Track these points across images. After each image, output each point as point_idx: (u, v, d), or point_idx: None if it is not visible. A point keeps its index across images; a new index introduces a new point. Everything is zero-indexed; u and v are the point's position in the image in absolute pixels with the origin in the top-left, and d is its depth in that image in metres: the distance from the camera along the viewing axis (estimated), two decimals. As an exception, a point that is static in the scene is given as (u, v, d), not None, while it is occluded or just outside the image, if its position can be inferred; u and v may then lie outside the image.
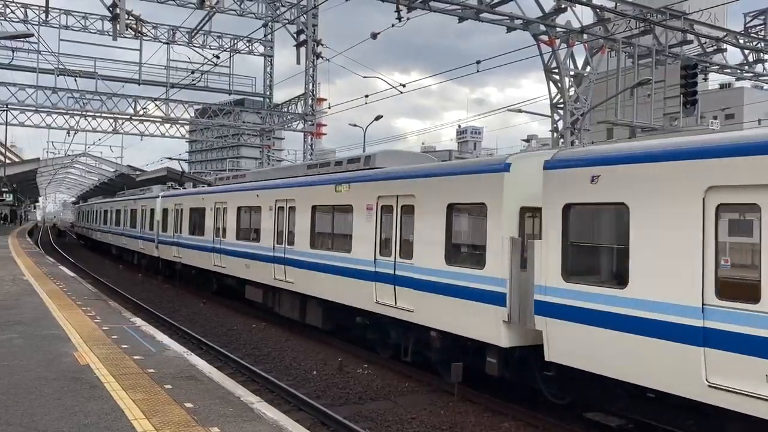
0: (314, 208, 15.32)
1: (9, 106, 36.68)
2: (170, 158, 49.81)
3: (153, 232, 29.04)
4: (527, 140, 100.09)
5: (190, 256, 24.05)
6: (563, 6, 25.49)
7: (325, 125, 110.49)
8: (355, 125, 45.94)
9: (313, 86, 39.03)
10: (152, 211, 29.54)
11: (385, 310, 12.41)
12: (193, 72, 34.48)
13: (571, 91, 27.60)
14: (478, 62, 22.56)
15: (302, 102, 39.83)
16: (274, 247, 17.02)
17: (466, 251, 11.38)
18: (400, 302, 11.99)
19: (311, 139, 40.68)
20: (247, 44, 41.76)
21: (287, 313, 16.86)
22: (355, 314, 13.63)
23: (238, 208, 19.74)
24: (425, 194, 11.70)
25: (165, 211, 27.58)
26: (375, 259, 12.81)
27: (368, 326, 13.58)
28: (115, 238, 39.55)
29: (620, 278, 8.26)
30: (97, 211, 49.30)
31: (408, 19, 22.13)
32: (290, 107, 41.64)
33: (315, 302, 15.29)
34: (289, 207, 16.48)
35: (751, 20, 33.93)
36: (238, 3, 37.24)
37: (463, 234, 11.62)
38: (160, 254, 28.11)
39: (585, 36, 26.77)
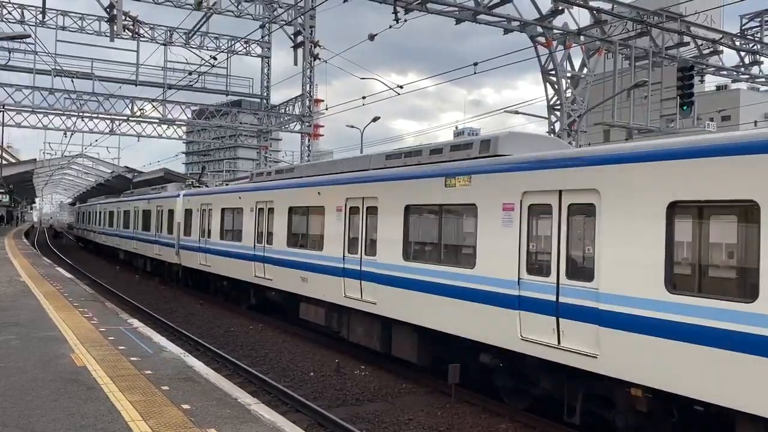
0: (408, 208, 11.95)
1: (6, 107, 36.63)
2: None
3: (173, 236, 25.63)
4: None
5: (223, 265, 20.53)
6: (560, 8, 25.57)
7: (323, 126, 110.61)
8: (352, 126, 46.11)
9: (310, 87, 39.04)
10: (171, 212, 26.29)
11: (537, 350, 9.10)
12: (190, 73, 34.46)
13: (568, 93, 27.68)
14: (475, 64, 22.58)
15: (299, 103, 39.83)
16: (344, 257, 13.62)
17: (711, 274, 7.74)
18: (568, 342, 8.67)
19: (308, 140, 40.68)
20: (245, 45, 41.74)
21: (362, 340, 13.53)
22: (479, 350, 10.41)
23: (290, 209, 16.29)
24: (622, 188, 8.17)
25: (188, 213, 24.27)
26: (519, 279, 9.43)
27: (501, 368, 10.29)
28: (123, 242, 35.85)
29: None
30: (100, 212, 44.88)
31: (405, 20, 22.17)
32: (287, 108, 41.65)
33: (407, 330, 11.96)
34: (368, 207, 13.11)
35: (747, 22, 34.10)
36: (236, 4, 37.21)
37: (700, 248, 7.61)
38: (182, 261, 24.77)
39: (582, 38, 26.85)
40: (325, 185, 14.87)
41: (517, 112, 30.63)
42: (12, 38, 28.91)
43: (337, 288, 13.80)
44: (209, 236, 21.75)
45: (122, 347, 11.02)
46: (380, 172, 13.14)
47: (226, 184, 27.27)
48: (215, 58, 30.61)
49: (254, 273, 17.99)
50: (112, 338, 11.77)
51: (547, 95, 27.76)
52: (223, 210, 20.90)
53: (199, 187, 29.38)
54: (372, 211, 12.99)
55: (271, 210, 17.35)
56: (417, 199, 11.87)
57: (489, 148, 10.95)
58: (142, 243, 31.26)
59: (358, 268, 13.15)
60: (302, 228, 16.08)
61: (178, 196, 25.84)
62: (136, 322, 14.11)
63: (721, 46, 32.04)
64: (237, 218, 19.73)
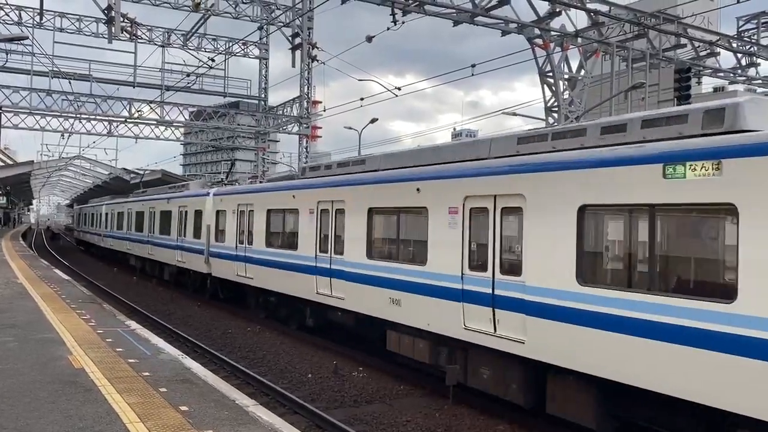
0: (585, 210, 8.51)
1: (3, 109, 36.58)
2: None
3: (201, 241, 22.39)
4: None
5: (270, 278, 17.21)
6: (558, 10, 25.62)
7: (320, 128, 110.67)
8: (350, 128, 46.11)
9: (308, 89, 39.05)
10: (198, 213, 23.09)
11: None
12: (188, 75, 34.46)
13: (566, 95, 27.76)
14: (473, 66, 22.63)
15: (297, 104, 39.85)
16: (463, 275, 10.34)
17: None
18: None
19: (306, 141, 40.68)
20: (242, 47, 41.72)
21: (490, 387, 10.23)
22: (729, 423, 7.25)
23: (371, 211, 12.99)
24: None
25: (220, 214, 21.18)
26: None
27: None
28: (135, 247, 32.30)
29: None
30: (107, 213, 40.97)
31: (403, 22, 22.24)
32: (285, 110, 41.66)
33: (579, 382, 8.63)
34: (504, 209, 9.76)
35: (744, 24, 34.20)
36: (233, 6, 37.21)
37: None
38: (213, 270, 21.62)
39: (579, 40, 26.92)
40: (427, 180, 11.44)
41: (515, 114, 30.77)
42: (10, 40, 28.84)
43: (451, 316, 10.48)
44: (250, 243, 18.49)
45: (120, 349, 11.02)
46: (523, 159, 9.65)
47: (260, 182, 24.04)
48: (213, 60, 30.64)
49: (316, 289, 14.63)
50: (109, 340, 11.77)
51: (544, 97, 27.82)
52: (269, 212, 17.57)
53: (229, 184, 25.65)
54: (511, 213, 9.66)
55: (340, 211, 14.09)
56: (603, 197, 8.30)
57: (723, 120, 7.62)
58: (160, 248, 27.69)
59: (489, 291, 9.81)
60: (391, 234, 12.85)
61: (208, 194, 22.56)
62: (133, 324, 14.12)
63: (718, 48, 32.16)
64: (290, 222, 16.49)
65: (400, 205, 12.26)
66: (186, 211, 24.51)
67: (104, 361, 10.02)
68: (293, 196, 16.17)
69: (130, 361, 10.16)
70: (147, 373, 9.39)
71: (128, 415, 7.40)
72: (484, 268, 10.01)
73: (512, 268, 9.56)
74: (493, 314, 9.73)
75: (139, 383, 8.84)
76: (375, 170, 13.58)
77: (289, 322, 17.45)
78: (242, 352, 15.20)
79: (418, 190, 11.58)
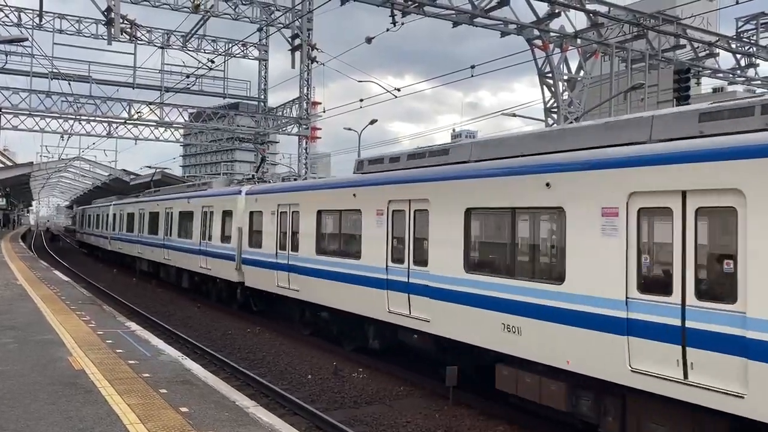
0: None
1: (2, 110, 36.58)
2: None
3: (230, 246, 20.13)
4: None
5: (323, 291, 14.70)
6: (557, 11, 25.66)
7: (320, 129, 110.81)
8: (350, 129, 46.16)
9: (307, 90, 39.07)
10: (226, 214, 20.76)
11: None
12: (187, 76, 34.45)
13: (565, 96, 27.80)
14: (472, 67, 22.65)
15: (297, 106, 39.88)
16: (628, 299, 7.84)
17: None
18: None
19: (306, 142, 40.70)
20: (242, 48, 41.76)
21: None
22: None
23: (469, 212, 10.51)
24: None
25: (254, 216, 18.85)
26: None
27: None
28: (148, 251, 29.76)
29: None
30: (115, 214, 38.64)
31: (402, 23, 22.29)
32: (285, 111, 41.68)
33: None
34: (702, 209, 7.21)
35: (743, 25, 34.26)
36: (233, 7, 37.23)
37: None
38: (246, 280, 19.25)
39: (578, 41, 26.97)
40: (564, 171, 8.82)
41: (514, 115, 30.79)
42: (9, 41, 28.83)
43: (607, 353, 7.96)
44: (296, 249, 16.03)
45: (120, 350, 11.04)
46: (739, 140, 6.93)
47: (295, 179, 22.07)
48: (212, 61, 30.67)
49: (388, 307, 12.29)
50: (109, 341, 11.78)
51: (544, 98, 27.87)
52: (320, 213, 15.16)
53: (262, 182, 23.40)
54: (717, 215, 7.18)
55: (421, 212, 11.64)
56: None
57: None
58: (179, 253, 25.14)
59: (677, 322, 7.28)
60: (502, 242, 10.26)
61: (239, 193, 20.12)
62: (133, 325, 14.14)
63: (717, 49, 32.22)
64: (350, 225, 14.17)
65: (518, 205, 9.58)
66: (211, 212, 22.03)
67: (104, 363, 10.02)
68: (354, 195, 13.67)
69: (130, 362, 10.17)
70: (147, 375, 9.40)
71: (129, 417, 7.41)
72: (665, 291, 7.44)
73: (719, 292, 7.05)
74: (684, 354, 7.21)
75: (139, 384, 8.85)
76: (465, 161, 11.07)
77: (343, 342, 15.13)
78: (242, 354, 15.21)
79: (547, 184, 8.98)
